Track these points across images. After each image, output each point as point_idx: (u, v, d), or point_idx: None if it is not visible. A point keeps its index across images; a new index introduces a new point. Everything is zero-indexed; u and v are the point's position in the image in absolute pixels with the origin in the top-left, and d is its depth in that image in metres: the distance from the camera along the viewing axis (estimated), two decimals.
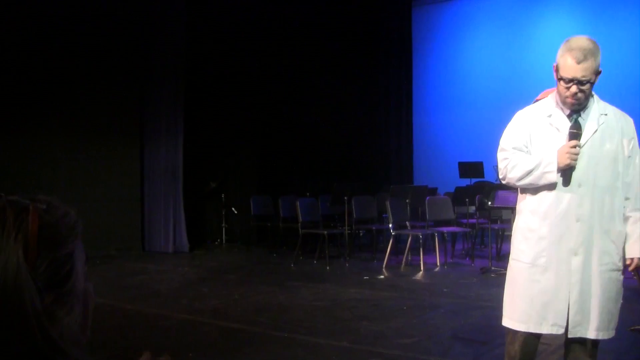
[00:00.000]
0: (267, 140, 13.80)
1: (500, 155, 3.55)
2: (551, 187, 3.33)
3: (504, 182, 3.60)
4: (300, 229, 10.32)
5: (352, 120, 14.73)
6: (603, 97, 3.46)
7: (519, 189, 3.58)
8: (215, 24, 12.78)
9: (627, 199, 3.31)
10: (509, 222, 9.79)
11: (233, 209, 12.99)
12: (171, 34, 11.76)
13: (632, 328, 5.92)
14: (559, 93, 3.33)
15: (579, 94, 3.24)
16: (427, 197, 10.19)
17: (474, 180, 13.62)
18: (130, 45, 11.66)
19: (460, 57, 15.99)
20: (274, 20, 13.60)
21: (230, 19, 12.99)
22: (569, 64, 3.19)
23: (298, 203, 10.46)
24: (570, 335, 3.34)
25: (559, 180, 3.30)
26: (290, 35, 14.00)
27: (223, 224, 12.98)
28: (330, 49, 14.66)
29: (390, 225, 9.96)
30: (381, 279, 9.06)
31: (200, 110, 12.63)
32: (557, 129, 3.34)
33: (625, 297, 7.16)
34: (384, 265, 9.74)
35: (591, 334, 3.33)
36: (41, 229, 1.02)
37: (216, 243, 12.90)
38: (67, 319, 1.04)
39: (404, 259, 9.77)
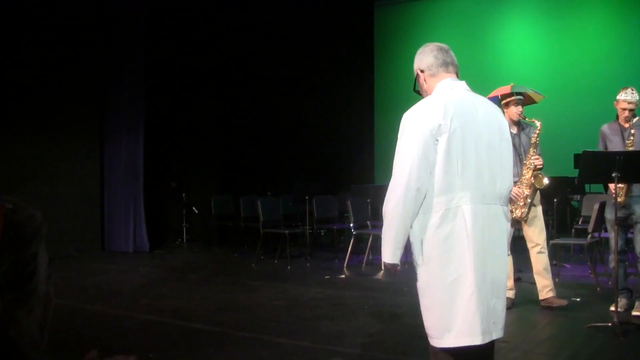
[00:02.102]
0: (228, 139, 13.78)
1: None
2: None
3: None
4: (261, 229, 10.30)
5: (314, 119, 14.74)
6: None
7: None
8: (175, 23, 12.71)
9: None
10: None
11: (194, 208, 12.93)
12: (131, 33, 11.65)
13: (591, 325, 6.02)
14: None
15: None
16: None
17: None
18: (90, 45, 11.52)
19: None
20: (234, 19, 13.57)
21: (190, 19, 12.92)
22: None
23: (259, 202, 10.44)
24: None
25: None
26: (252, 35, 13.98)
27: (184, 224, 12.91)
28: (291, 48, 14.67)
29: (351, 225, 9.99)
30: (342, 278, 9.09)
31: (161, 109, 12.55)
32: None
33: (584, 296, 7.32)
34: (345, 265, 9.77)
35: None
36: (7, 228, 1.01)
37: (177, 243, 12.82)
38: (26, 320, 1.03)
39: (365, 258, 9.81)
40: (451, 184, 3.13)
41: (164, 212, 13.11)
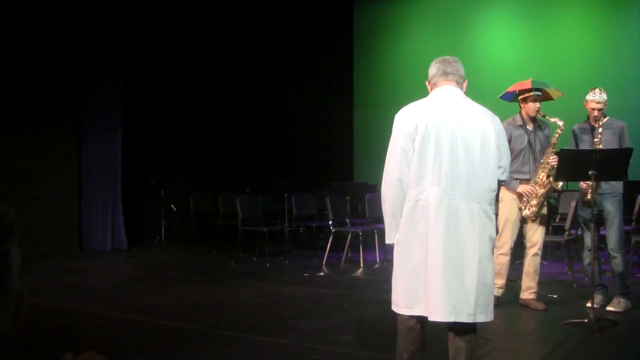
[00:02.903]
0: (207, 137, 13.73)
1: None
2: None
3: None
4: (240, 226, 10.28)
5: (293, 117, 14.72)
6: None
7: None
8: (154, 19, 12.64)
9: None
10: None
11: (172, 206, 12.86)
12: (110, 28, 11.55)
13: (568, 322, 6.07)
14: None
15: None
16: (367, 194, 10.23)
17: None
18: (68, 40, 11.43)
19: (402, 55, 16.08)
20: (214, 15, 13.52)
21: (170, 15, 12.86)
22: None
23: (238, 200, 10.41)
24: None
25: None
26: (231, 32, 13.94)
27: (162, 222, 12.84)
28: (270, 46, 14.64)
29: (330, 222, 9.99)
30: (321, 275, 9.09)
31: (139, 106, 12.46)
32: None
33: (561, 293, 7.38)
34: (323, 262, 9.77)
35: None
36: None
37: (155, 241, 12.75)
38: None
39: (343, 256, 9.81)
40: (422, 179, 3.70)
41: (143, 210, 13.03)
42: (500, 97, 7.03)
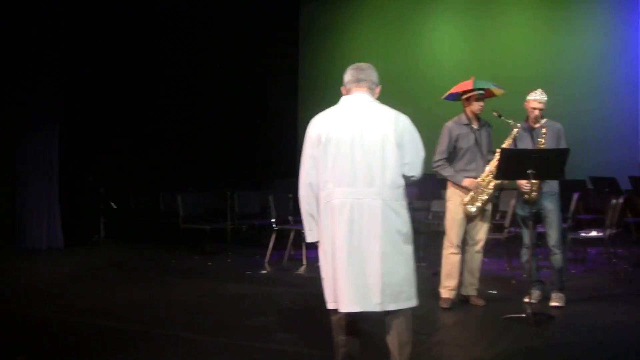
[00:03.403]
0: (147, 133, 13.55)
1: None
2: None
3: None
4: (181, 224, 10.18)
5: (237, 114, 14.64)
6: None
7: None
8: (93, 13, 12.41)
9: None
10: None
11: (112, 203, 12.66)
12: (46, 25, 11.29)
13: (507, 317, 6.18)
14: None
15: None
16: None
17: None
18: (2, 36, 11.14)
19: (347, 52, 16.12)
20: (155, 11, 13.37)
21: (109, 7, 12.66)
22: None
23: (179, 197, 10.31)
24: None
25: None
26: (173, 26, 13.80)
27: (101, 219, 12.62)
28: (213, 41, 14.52)
29: (273, 220, 9.96)
30: (264, 274, 9.06)
31: (77, 101, 12.22)
32: None
33: (500, 289, 7.50)
34: (266, 260, 9.74)
35: None
36: None
37: (94, 239, 12.52)
38: None
39: (286, 254, 9.80)
40: (327, 183, 4.08)
41: (81, 208, 12.78)
42: (443, 98, 7.10)
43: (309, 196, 4.18)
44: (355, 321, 4.25)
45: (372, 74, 4.32)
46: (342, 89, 4.37)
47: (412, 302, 4.16)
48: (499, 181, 6.62)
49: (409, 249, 4.16)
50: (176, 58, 14.01)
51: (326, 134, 4.11)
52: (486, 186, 6.66)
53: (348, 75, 4.32)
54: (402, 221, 4.12)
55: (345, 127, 4.11)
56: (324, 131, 4.13)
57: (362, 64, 4.35)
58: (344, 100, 4.29)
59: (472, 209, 6.69)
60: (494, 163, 6.59)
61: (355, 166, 4.05)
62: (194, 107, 14.35)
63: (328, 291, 4.13)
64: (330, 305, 4.14)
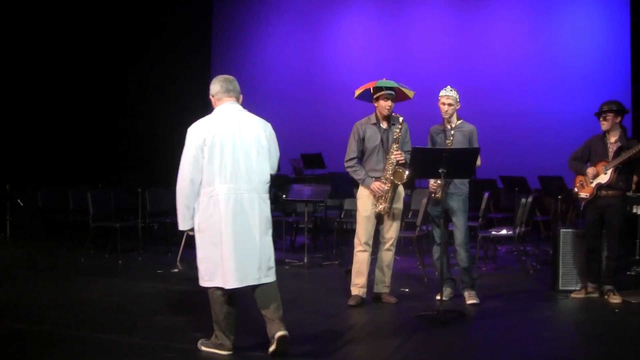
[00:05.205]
0: (56, 129, 13.21)
1: None
2: None
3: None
4: (91, 222, 9.96)
5: (148, 110, 14.40)
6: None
7: None
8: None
9: None
10: (303, 215, 10.02)
11: (19, 200, 12.28)
12: None
13: (419, 314, 6.27)
14: None
15: None
16: None
17: None
18: None
19: (260, 49, 16.12)
20: (59, 4, 13.04)
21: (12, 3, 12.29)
22: None
23: (89, 195, 10.07)
24: None
25: None
26: (81, 22, 13.50)
27: (8, 217, 12.22)
28: (124, 37, 14.26)
29: None
30: (175, 272, 8.96)
31: None
32: None
33: (412, 287, 7.59)
34: (178, 259, 9.63)
35: None
36: None
37: (0, 237, 12.12)
38: None
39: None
40: (212, 180, 4.78)
41: None
42: (356, 98, 7.14)
43: (190, 192, 4.81)
44: (233, 296, 4.95)
45: (237, 85, 5.10)
46: (212, 99, 5.06)
47: (274, 277, 5.03)
48: (396, 182, 6.72)
49: (271, 231, 5.05)
50: (85, 53, 13.70)
51: (211, 138, 4.78)
52: (386, 190, 6.73)
53: (218, 86, 5.02)
54: (269, 209, 5.03)
55: (226, 133, 4.83)
56: (209, 136, 4.79)
57: (228, 76, 5.10)
58: (220, 109, 4.99)
59: (380, 208, 6.76)
60: (392, 162, 6.70)
61: (237, 166, 4.82)
62: (104, 102, 14.06)
63: (205, 271, 4.88)
64: (206, 283, 4.90)
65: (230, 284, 4.80)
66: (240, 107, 5.05)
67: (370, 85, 6.86)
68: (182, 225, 4.93)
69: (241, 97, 5.13)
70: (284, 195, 9.99)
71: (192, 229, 4.93)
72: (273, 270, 5.01)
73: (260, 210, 4.92)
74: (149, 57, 14.63)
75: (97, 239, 10.31)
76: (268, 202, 5.05)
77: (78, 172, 13.01)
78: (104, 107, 14.05)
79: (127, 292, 7.49)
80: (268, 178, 5.04)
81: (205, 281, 4.91)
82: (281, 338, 4.84)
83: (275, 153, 5.13)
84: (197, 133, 4.84)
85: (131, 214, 11.05)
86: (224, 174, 4.79)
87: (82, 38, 13.56)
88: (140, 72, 14.46)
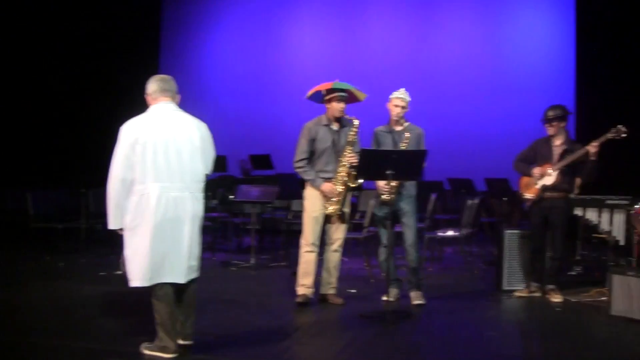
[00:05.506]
0: None
1: None
2: None
3: None
4: (31, 223, 9.73)
5: (91, 109, 14.19)
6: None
7: None
8: None
9: None
10: (250, 216, 9.95)
11: None
12: None
13: (365, 315, 6.26)
14: None
15: None
16: None
17: (217, 174, 13.68)
18: None
19: (209, 49, 16.01)
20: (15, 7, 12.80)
21: None
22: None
23: (29, 195, 9.84)
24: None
25: None
26: (26, 20, 13.25)
27: None
28: (68, 35, 14.04)
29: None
30: (119, 274, 8.73)
31: None
32: None
33: (359, 287, 7.59)
34: (121, 260, 9.42)
35: None
36: None
37: None
38: None
39: None
40: (144, 178, 4.78)
41: None
42: (307, 98, 7.11)
43: (121, 190, 4.81)
44: (172, 295, 4.96)
45: (174, 84, 5.12)
46: (148, 98, 5.06)
47: (199, 273, 5.13)
48: (351, 184, 6.72)
49: (201, 230, 5.13)
50: (26, 48, 13.43)
51: (144, 138, 4.79)
52: (338, 188, 6.71)
53: (154, 86, 5.05)
54: (202, 208, 5.10)
55: (159, 132, 4.85)
56: (141, 135, 4.79)
57: (165, 76, 5.16)
58: (154, 108, 5.00)
59: (331, 210, 6.74)
60: (344, 166, 6.69)
61: (169, 165, 4.84)
62: (46, 100, 13.81)
63: (142, 270, 4.85)
64: (145, 283, 4.86)
65: (163, 278, 4.87)
66: (175, 107, 5.08)
67: (325, 87, 6.83)
68: (113, 224, 4.93)
69: (178, 97, 5.18)
70: (231, 196, 9.90)
71: (122, 229, 4.94)
72: (198, 268, 5.11)
73: (192, 209, 4.98)
74: (95, 55, 14.40)
75: (37, 241, 10.07)
76: (202, 201, 5.11)
77: (17, 172, 12.72)
78: (47, 106, 13.78)
79: (69, 296, 7.32)
80: (202, 177, 5.09)
81: (137, 280, 4.92)
82: (185, 347, 5.01)
83: (210, 153, 5.16)
84: (130, 131, 4.83)
85: (73, 214, 10.83)
86: (156, 172, 4.81)
87: (21, 35, 13.29)
88: (85, 70, 14.23)
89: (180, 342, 4.95)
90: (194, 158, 4.98)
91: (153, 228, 4.79)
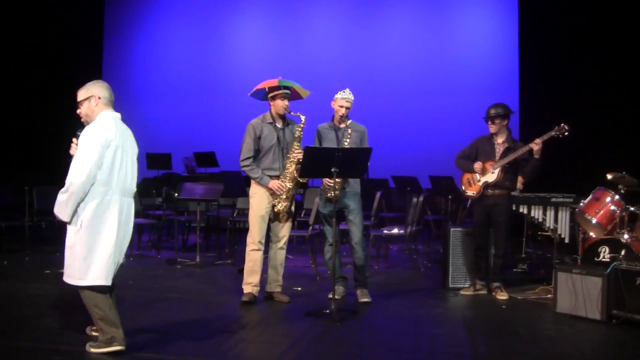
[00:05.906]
0: None
1: None
2: None
3: None
4: None
5: (36, 105, 13.98)
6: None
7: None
8: None
9: None
10: (195, 214, 9.93)
11: None
12: None
13: (311, 313, 6.31)
14: None
15: None
16: None
17: (161, 171, 13.60)
18: None
19: (152, 49, 15.88)
20: None
21: None
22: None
23: None
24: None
25: None
26: None
27: None
28: (15, 30, 13.80)
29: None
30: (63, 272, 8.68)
31: None
32: None
33: (305, 285, 7.64)
34: None
35: None
36: None
37: None
38: None
39: None
40: (109, 182, 4.94)
41: None
42: (250, 95, 7.12)
43: (88, 188, 4.86)
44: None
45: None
46: (91, 98, 5.14)
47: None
48: (300, 180, 6.79)
49: None
50: None
51: (115, 143, 4.97)
52: (287, 185, 6.76)
53: (105, 93, 5.18)
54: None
55: (121, 139, 5.05)
56: (114, 140, 4.98)
57: (109, 85, 5.28)
58: (109, 115, 5.11)
59: (281, 207, 6.78)
60: (293, 160, 6.73)
61: (126, 172, 5.07)
62: None
63: (103, 270, 4.93)
64: (97, 281, 4.92)
65: (109, 280, 4.98)
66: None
67: (270, 84, 6.85)
68: (67, 218, 4.96)
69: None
70: (176, 194, 9.86)
71: (70, 222, 4.98)
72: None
73: (131, 215, 5.20)
74: (38, 51, 14.19)
75: None
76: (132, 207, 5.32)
77: None
78: None
79: (12, 294, 7.23)
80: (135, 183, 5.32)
81: (99, 279, 4.93)
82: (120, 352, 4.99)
83: (136, 164, 5.40)
84: (103, 134, 4.94)
85: (17, 212, 10.67)
86: (119, 177, 5.00)
87: None
88: (28, 66, 14.01)
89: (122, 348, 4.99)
90: (134, 167, 5.22)
91: (117, 230, 4.96)
